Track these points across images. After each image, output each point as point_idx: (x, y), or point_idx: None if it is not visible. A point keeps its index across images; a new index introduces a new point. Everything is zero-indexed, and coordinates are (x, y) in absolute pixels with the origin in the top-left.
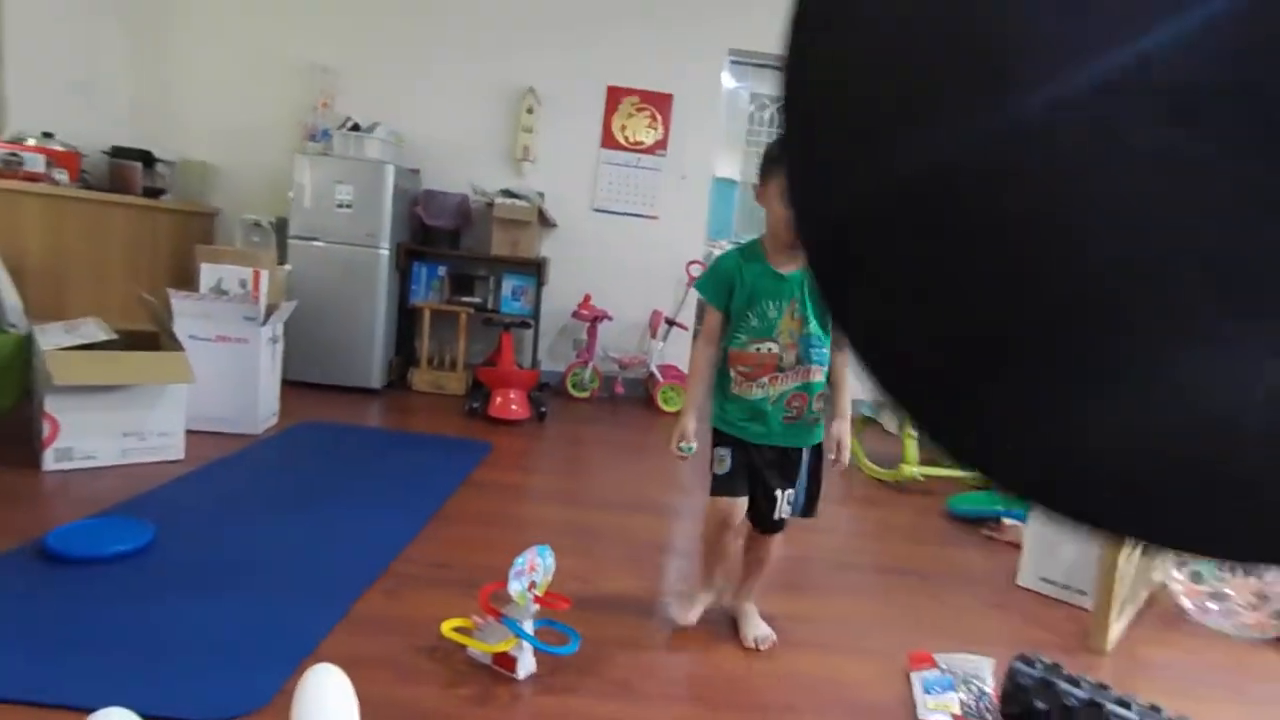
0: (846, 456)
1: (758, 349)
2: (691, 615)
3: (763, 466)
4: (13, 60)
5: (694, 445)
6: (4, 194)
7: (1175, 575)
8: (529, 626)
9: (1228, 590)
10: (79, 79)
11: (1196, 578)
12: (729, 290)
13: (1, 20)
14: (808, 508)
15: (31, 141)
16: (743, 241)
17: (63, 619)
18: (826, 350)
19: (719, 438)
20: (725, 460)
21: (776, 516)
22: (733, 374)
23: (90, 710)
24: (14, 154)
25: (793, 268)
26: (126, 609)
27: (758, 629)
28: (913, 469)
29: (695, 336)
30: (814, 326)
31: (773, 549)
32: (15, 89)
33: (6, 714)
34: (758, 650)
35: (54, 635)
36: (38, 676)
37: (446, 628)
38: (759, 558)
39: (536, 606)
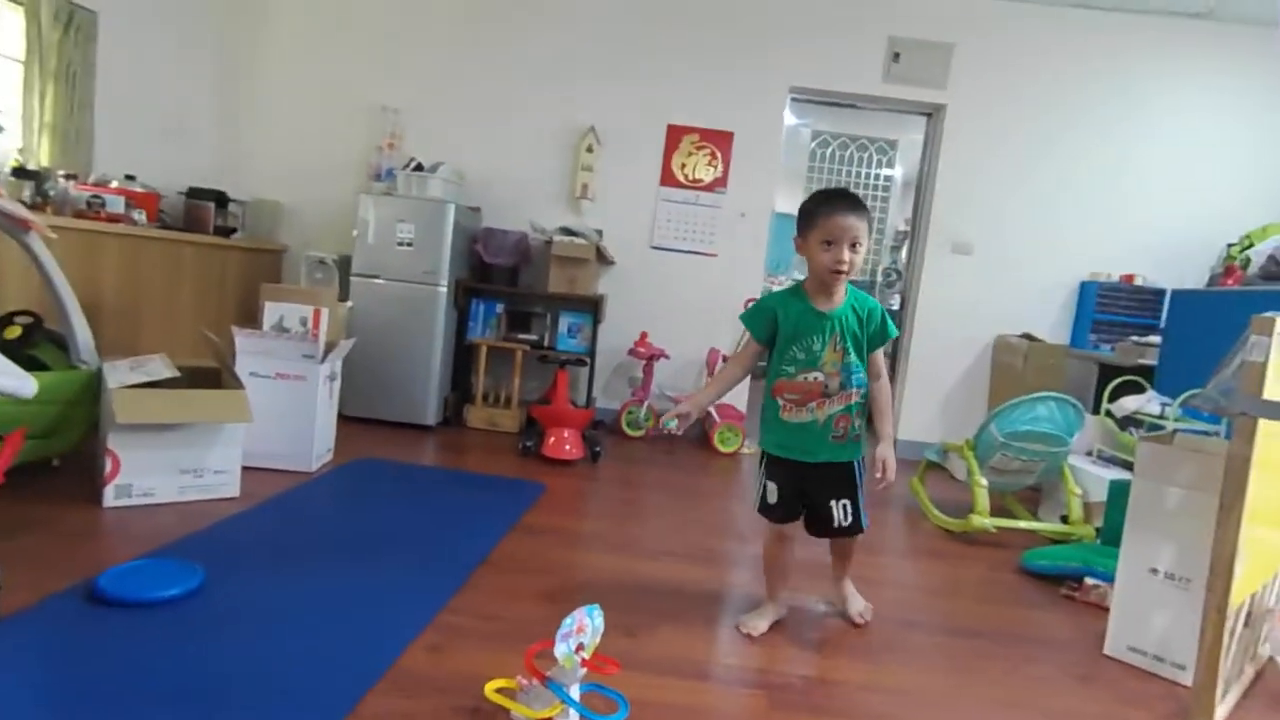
0: (892, 475)
1: (805, 378)
2: (761, 626)
3: (816, 484)
4: (104, 104)
5: (675, 424)
6: (85, 234)
7: None
8: (575, 691)
9: None
10: (169, 122)
11: None
12: (770, 324)
13: (95, 65)
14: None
15: (114, 184)
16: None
17: (104, 665)
18: (863, 374)
19: (770, 467)
20: (775, 493)
21: (837, 525)
22: (781, 402)
23: None
24: (97, 196)
25: (832, 306)
26: (168, 658)
27: (858, 603)
28: (983, 520)
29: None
30: (853, 356)
31: (850, 546)
32: (104, 132)
33: None
34: (863, 623)
35: (94, 682)
36: None
37: (490, 689)
38: (840, 551)
39: (584, 670)
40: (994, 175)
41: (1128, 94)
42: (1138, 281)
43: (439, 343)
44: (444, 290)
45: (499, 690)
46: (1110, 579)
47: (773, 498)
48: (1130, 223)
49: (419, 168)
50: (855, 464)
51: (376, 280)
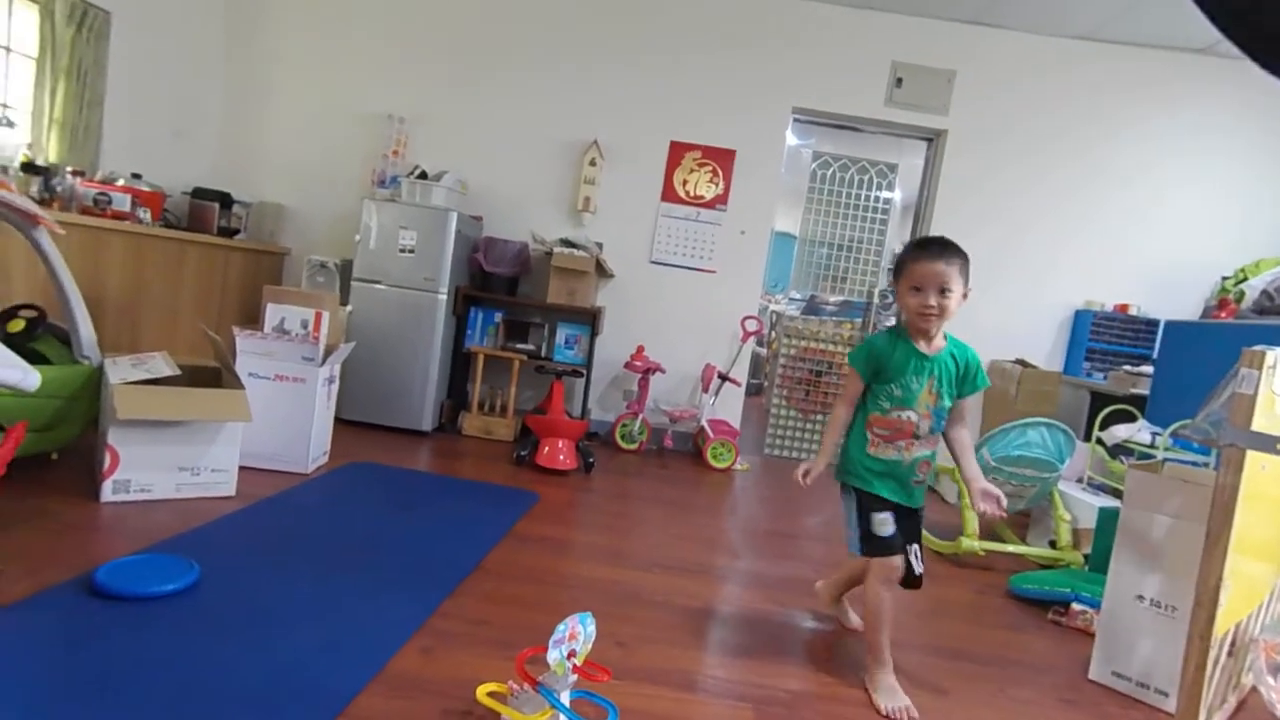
0: (1000, 511)
1: (898, 415)
2: (902, 698)
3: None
4: (113, 104)
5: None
6: (91, 231)
7: (1269, 680)
8: (566, 697)
9: None
10: (178, 124)
11: None
12: (874, 364)
13: (106, 64)
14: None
15: (121, 181)
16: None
17: (100, 659)
18: (944, 422)
19: (867, 499)
20: (888, 523)
21: (917, 574)
22: (870, 435)
23: None
24: (103, 193)
25: (933, 351)
26: (164, 652)
27: (856, 617)
28: (972, 542)
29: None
30: (945, 401)
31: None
32: (113, 130)
33: None
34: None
35: (89, 676)
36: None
37: (481, 693)
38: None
39: (575, 676)
40: (992, 201)
41: (1126, 126)
42: (1132, 311)
43: (437, 349)
44: (444, 297)
45: (490, 694)
46: (1096, 605)
47: (888, 528)
48: (1126, 252)
49: (423, 175)
50: (922, 511)
51: (377, 285)
